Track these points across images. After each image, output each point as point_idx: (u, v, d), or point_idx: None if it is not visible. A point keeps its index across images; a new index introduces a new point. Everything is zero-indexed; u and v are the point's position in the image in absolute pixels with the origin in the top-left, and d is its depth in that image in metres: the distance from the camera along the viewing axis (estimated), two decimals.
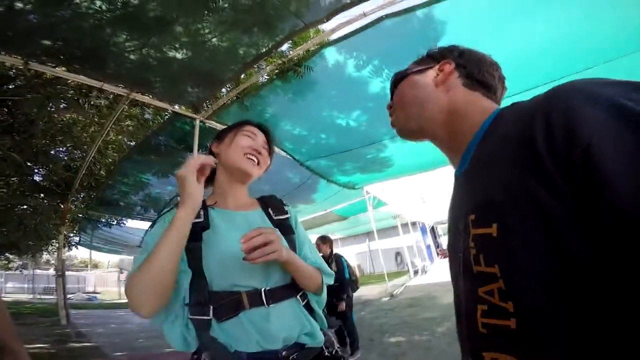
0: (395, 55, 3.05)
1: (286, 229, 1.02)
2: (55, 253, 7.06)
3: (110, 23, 2.02)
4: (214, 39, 2.32)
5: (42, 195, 4.98)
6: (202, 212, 0.94)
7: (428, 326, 5.00)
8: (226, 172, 1.03)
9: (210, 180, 1.05)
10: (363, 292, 10.64)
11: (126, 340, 5.96)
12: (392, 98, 0.78)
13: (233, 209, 1.01)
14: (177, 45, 2.37)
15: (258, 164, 1.03)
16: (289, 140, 4.61)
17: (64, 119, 3.94)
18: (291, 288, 0.95)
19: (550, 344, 0.38)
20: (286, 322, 0.89)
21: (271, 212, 1.04)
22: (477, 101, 0.63)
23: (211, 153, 1.06)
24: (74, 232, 7.68)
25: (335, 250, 4.70)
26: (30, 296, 17.66)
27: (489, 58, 0.69)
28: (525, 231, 0.40)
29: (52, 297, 7.65)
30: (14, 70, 3.12)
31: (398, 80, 0.75)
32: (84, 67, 2.55)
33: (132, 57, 2.43)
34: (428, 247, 20.35)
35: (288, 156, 5.02)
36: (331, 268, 4.32)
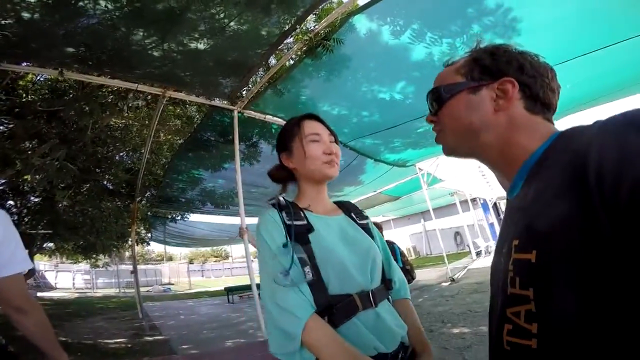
0: (437, 16, 2.71)
1: (369, 232, 1.04)
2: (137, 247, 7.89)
3: (122, 21, 1.94)
4: (232, 23, 2.14)
5: (110, 197, 5.49)
6: (302, 214, 0.94)
7: None
8: (309, 182, 1.03)
9: (290, 179, 1.07)
10: (420, 277, 10.09)
11: (193, 333, 6.29)
12: (432, 110, 0.69)
13: (324, 213, 1.01)
14: (196, 36, 2.24)
15: (336, 163, 1.02)
16: (329, 122, 4.35)
17: (114, 124, 4.21)
18: (385, 289, 0.96)
19: None
20: (394, 323, 0.89)
21: (354, 217, 1.05)
22: (537, 127, 0.58)
23: (283, 167, 1.06)
24: (145, 229, 8.49)
25: (387, 234, 4.40)
26: (117, 290, 20.11)
27: (548, 68, 0.61)
28: (564, 262, 0.42)
29: (133, 290, 8.66)
30: (66, 84, 3.34)
31: (445, 95, 0.65)
32: (115, 70, 2.57)
33: (155, 53, 2.37)
34: (491, 225, 18.57)
35: None
36: None
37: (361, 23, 2.62)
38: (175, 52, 2.43)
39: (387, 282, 0.99)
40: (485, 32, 2.88)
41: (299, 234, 0.88)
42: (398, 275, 1.05)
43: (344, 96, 3.79)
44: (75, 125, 3.14)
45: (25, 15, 1.70)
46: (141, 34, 2.10)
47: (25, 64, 2.27)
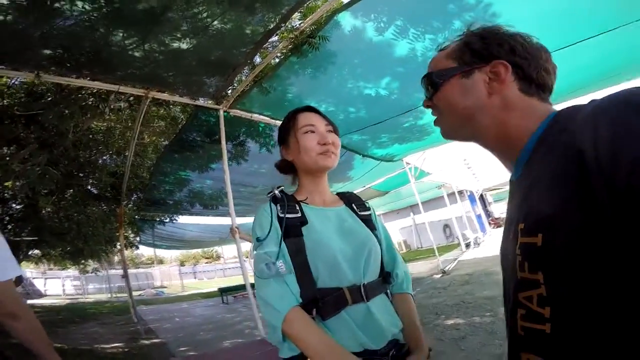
0: (420, 12, 2.75)
1: (370, 224, 1.03)
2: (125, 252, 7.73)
3: (100, 22, 1.89)
4: (216, 22, 2.11)
5: (96, 202, 5.36)
6: (297, 207, 0.94)
7: (489, 306, 4.52)
8: (307, 173, 1.03)
9: (290, 170, 1.06)
10: (411, 270, 10.14)
11: (189, 335, 6.25)
12: (428, 95, 0.69)
13: (322, 205, 1.01)
14: (178, 35, 2.20)
15: (333, 153, 0.99)
16: None
17: (96, 127, 4.10)
18: (383, 282, 0.95)
19: (581, 350, 0.41)
20: (388, 318, 0.89)
21: (355, 208, 1.04)
22: (533, 108, 0.58)
23: (285, 162, 1.06)
24: (133, 233, 8.33)
25: None
26: (109, 295, 19.68)
27: (542, 49, 0.61)
28: (569, 244, 0.42)
29: (125, 294, 8.50)
30: (43, 87, 3.23)
31: (437, 80, 0.65)
32: (94, 71, 2.50)
33: (136, 54, 2.32)
34: (479, 216, 18.90)
35: None
36: None
37: (346, 20, 2.63)
38: (157, 52, 2.38)
39: (385, 276, 0.98)
40: (466, 27, 2.95)
41: (292, 227, 0.89)
42: (401, 269, 1.04)
43: (331, 93, 3.80)
44: (55, 129, 3.04)
45: None
46: (121, 34, 2.05)
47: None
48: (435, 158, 9.19)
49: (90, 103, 3.29)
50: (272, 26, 2.26)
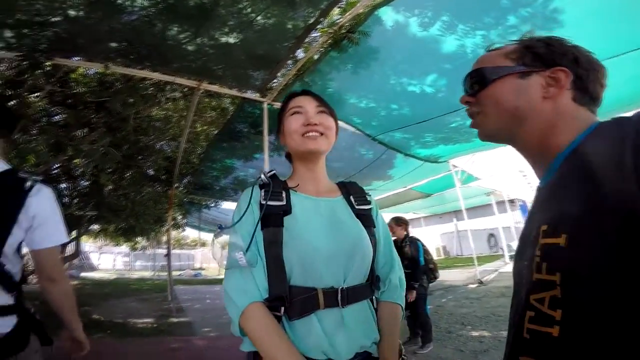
0: (469, 8, 2.62)
1: (368, 220, 0.93)
2: (172, 232, 8.38)
3: (158, 18, 2.09)
4: (259, 18, 2.21)
5: (150, 183, 5.92)
6: (284, 195, 0.87)
7: None
8: (298, 158, 0.96)
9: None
10: (447, 277, 9.80)
11: (214, 317, 6.50)
12: (471, 91, 0.68)
13: (315, 194, 0.92)
14: (226, 30, 2.34)
15: (322, 134, 0.90)
16: (357, 115, 4.37)
17: (154, 115, 4.53)
18: (367, 288, 0.86)
19: (586, 356, 0.41)
20: (361, 330, 0.80)
21: (353, 201, 0.95)
22: (581, 117, 0.58)
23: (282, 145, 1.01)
24: (181, 214, 9.01)
25: (417, 232, 4.33)
26: (152, 273, 20.96)
27: (601, 65, 0.61)
28: (594, 245, 0.42)
29: (166, 273, 9.12)
30: (112, 77, 3.63)
31: (490, 77, 0.64)
32: (154, 63, 2.76)
33: (189, 48, 2.51)
34: None
35: (358, 131, 4.78)
36: (404, 251, 3.88)
37: (387, 15, 2.57)
38: (207, 46, 2.56)
39: (375, 280, 0.89)
40: (522, 23, 2.74)
41: (272, 216, 0.82)
42: (396, 275, 0.94)
43: (372, 89, 3.75)
44: (119, 115, 3.43)
45: (71, 13, 1.90)
46: (175, 29, 2.25)
47: (75, 58, 2.53)
48: (485, 163, 8.64)
49: (150, 92, 3.64)
50: (311, 21, 2.31)
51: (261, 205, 0.83)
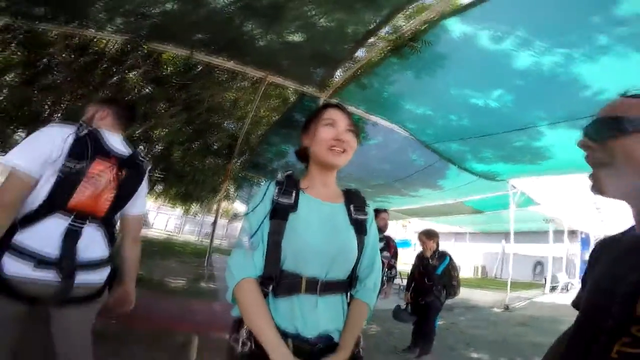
0: (549, 24, 2.43)
1: (361, 229, 1.04)
2: (222, 203, 9.07)
3: (237, 14, 2.35)
4: (322, 20, 2.36)
5: (213, 156, 6.57)
6: (294, 194, 0.98)
7: (529, 352, 3.98)
8: (316, 164, 1.06)
9: (305, 159, 1.09)
10: (474, 297, 9.25)
11: None
12: (596, 137, 0.62)
13: (322, 198, 1.04)
14: (292, 30, 2.54)
15: (344, 151, 1.01)
16: (411, 120, 4.32)
17: (225, 98, 5.00)
18: (344, 285, 1.00)
19: None
20: (329, 316, 0.95)
21: (352, 209, 1.05)
22: None
23: (303, 150, 1.09)
24: (234, 188, 9.73)
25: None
26: (197, 238, 21.76)
27: None
28: None
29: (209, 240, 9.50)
30: (194, 62, 4.11)
31: (628, 127, 0.58)
32: (230, 54, 3.09)
33: (261, 43, 2.78)
34: (585, 263, 15.50)
35: (411, 137, 4.72)
36: (432, 264, 3.80)
37: (455, 26, 2.52)
38: (276, 42, 2.80)
39: (353, 279, 1.02)
40: (616, 43, 2.47)
41: (280, 210, 0.95)
42: (372, 279, 1.06)
43: (430, 97, 3.69)
44: (197, 96, 3.91)
45: (168, 6, 2.26)
46: (250, 25, 2.51)
47: (167, 44, 2.95)
48: (550, 188, 7.83)
49: (223, 79, 4.08)
50: (372, 27, 2.39)
51: (273, 200, 0.97)
